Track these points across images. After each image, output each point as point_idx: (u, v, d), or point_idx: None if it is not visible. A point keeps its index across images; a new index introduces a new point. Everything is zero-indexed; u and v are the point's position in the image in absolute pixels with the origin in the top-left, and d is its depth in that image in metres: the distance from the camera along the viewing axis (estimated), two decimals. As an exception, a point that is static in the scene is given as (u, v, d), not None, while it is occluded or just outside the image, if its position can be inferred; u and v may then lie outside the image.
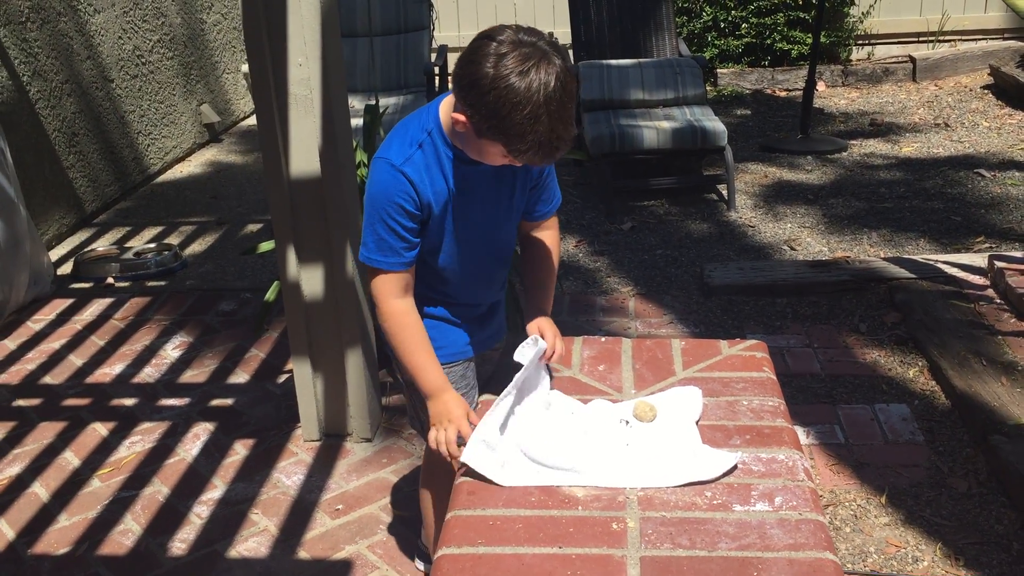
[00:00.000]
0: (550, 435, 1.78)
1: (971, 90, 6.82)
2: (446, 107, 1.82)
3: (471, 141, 1.76)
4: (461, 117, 1.71)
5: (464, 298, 2.03)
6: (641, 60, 5.51)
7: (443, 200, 1.86)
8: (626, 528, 1.58)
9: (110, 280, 4.42)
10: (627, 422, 1.83)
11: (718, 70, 7.30)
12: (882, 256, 4.24)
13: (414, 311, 1.91)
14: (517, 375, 1.84)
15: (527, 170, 1.94)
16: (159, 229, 5.07)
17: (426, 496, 2.29)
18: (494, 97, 1.62)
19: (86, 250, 4.73)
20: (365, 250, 1.87)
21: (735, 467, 1.71)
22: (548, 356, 1.96)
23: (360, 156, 3.40)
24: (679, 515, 1.60)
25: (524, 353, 1.89)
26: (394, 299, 1.89)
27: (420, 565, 2.47)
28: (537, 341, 1.92)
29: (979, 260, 3.96)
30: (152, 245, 4.70)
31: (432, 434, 1.86)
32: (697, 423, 1.85)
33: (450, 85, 1.81)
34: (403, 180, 1.81)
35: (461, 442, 1.83)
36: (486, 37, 1.67)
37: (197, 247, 4.82)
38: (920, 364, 3.34)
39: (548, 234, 2.09)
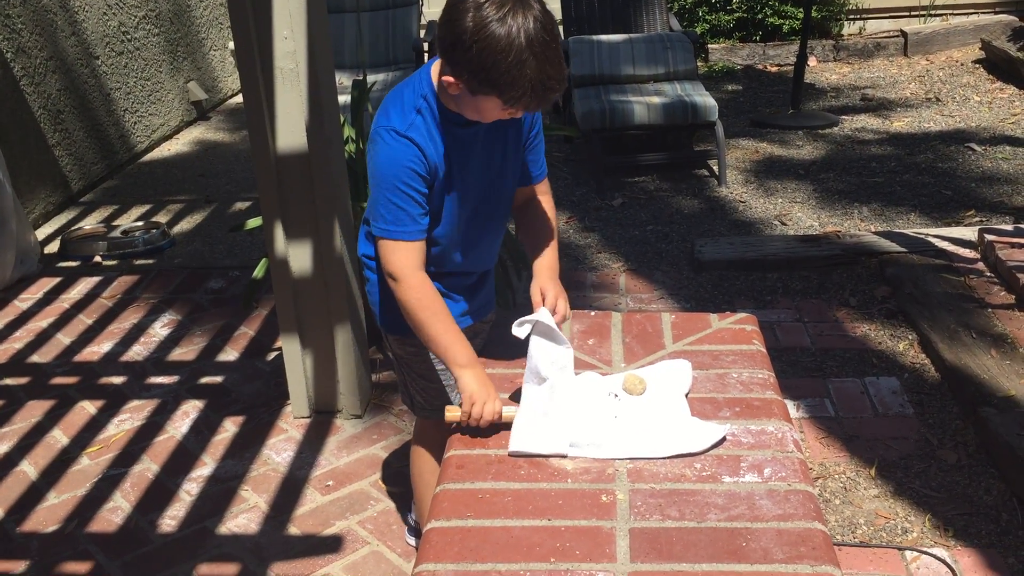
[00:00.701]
0: (549, 411, 1.77)
1: (962, 64, 6.80)
2: (437, 71, 1.81)
3: (467, 101, 1.74)
4: (451, 79, 1.70)
5: (458, 266, 2.01)
6: (631, 35, 5.47)
7: (444, 164, 1.84)
8: (615, 500, 1.57)
9: (97, 259, 4.39)
10: (616, 395, 1.82)
11: (709, 45, 7.26)
12: (873, 230, 4.24)
13: (432, 285, 1.87)
14: (529, 357, 1.81)
15: (517, 130, 1.92)
16: (146, 207, 5.04)
17: (416, 471, 2.29)
18: (477, 50, 1.61)
19: (73, 229, 4.70)
20: (382, 223, 1.83)
21: (724, 439, 1.70)
22: (558, 319, 1.92)
23: (348, 131, 3.38)
24: (668, 487, 1.60)
25: (522, 329, 1.85)
26: (417, 271, 1.84)
27: (411, 540, 2.47)
28: (541, 313, 1.88)
29: (969, 234, 3.96)
30: (140, 223, 4.67)
31: (469, 408, 1.78)
32: (687, 396, 1.85)
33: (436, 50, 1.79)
34: (411, 146, 1.78)
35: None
36: None
37: (185, 225, 4.79)
38: (910, 337, 3.34)
39: (543, 199, 2.08)
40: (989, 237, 3.74)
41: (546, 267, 2.01)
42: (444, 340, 1.84)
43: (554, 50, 1.64)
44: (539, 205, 2.07)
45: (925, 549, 2.36)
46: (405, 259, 1.84)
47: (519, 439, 1.71)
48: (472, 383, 1.80)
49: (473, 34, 1.60)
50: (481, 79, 1.64)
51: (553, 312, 1.91)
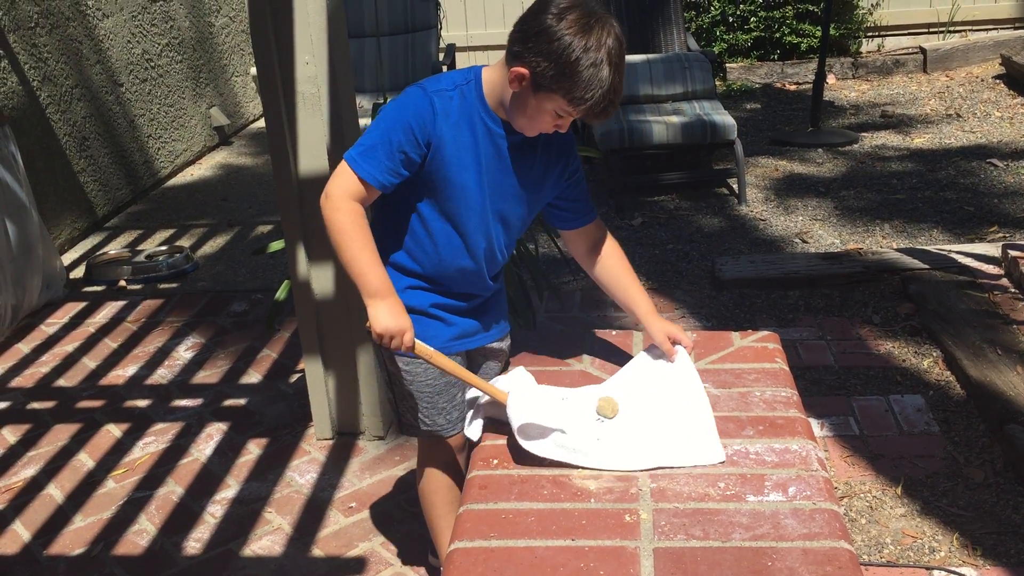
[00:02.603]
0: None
1: (982, 80, 6.77)
2: (491, 73, 1.84)
3: (524, 101, 1.76)
4: (523, 70, 1.72)
5: (455, 285, 1.98)
6: (649, 55, 5.49)
7: (460, 152, 1.83)
8: (639, 520, 1.57)
9: (122, 283, 4.43)
10: (600, 420, 1.83)
11: (727, 64, 7.27)
12: (895, 247, 4.22)
13: (361, 217, 1.84)
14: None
15: (557, 160, 1.94)
16: (170, 232, 5.09)
17: (425, 498, 2.22)
18: (562, 45, 1.68)
19: (98, 253, 4.75)
20: (353, 150, 1.84)
21: (722, 461, 1.70)
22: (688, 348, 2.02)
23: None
24: (692, 506, 1.60)
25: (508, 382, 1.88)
26: (351, 200, 1.83)
27: (434, 561, 2.46)
28: (520, 374, 1.91)
29: (993, 250, 3.94)
30: (163, 247, 4.72)
31: (378, 341, 1.84)
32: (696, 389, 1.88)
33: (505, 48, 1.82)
34: (427, 104, 1.80)
35: (413, 357, 1.90)
36: None
37: (208, 249, 4.84)
38: (934, 354, 3.32)
39: (608, 240, 2.09)
40: (1013, 253, 3.71)
41: (651, 311, 2.05)
42: (359, 265, 1.83)
43: (623, 71, 1.74)
44: (609, 248, 2.08)
45: (953, 569, 2.34)
46: (347, 186, 1.83)
47: (518, 412, 1.74)
48: (382, 315, 1.83)
49: (560, 29, 1.68)
50: (557, 71, 1.69)
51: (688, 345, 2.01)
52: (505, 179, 1.90)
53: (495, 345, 2.12)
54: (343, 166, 1.84)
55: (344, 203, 1.82)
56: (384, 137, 1.80)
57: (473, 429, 1.89)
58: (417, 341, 1.86)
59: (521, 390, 1.81)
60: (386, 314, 1.83)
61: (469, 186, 1.87)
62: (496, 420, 1.87)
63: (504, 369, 2.14)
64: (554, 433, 1.73)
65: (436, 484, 2.18)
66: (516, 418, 1.74)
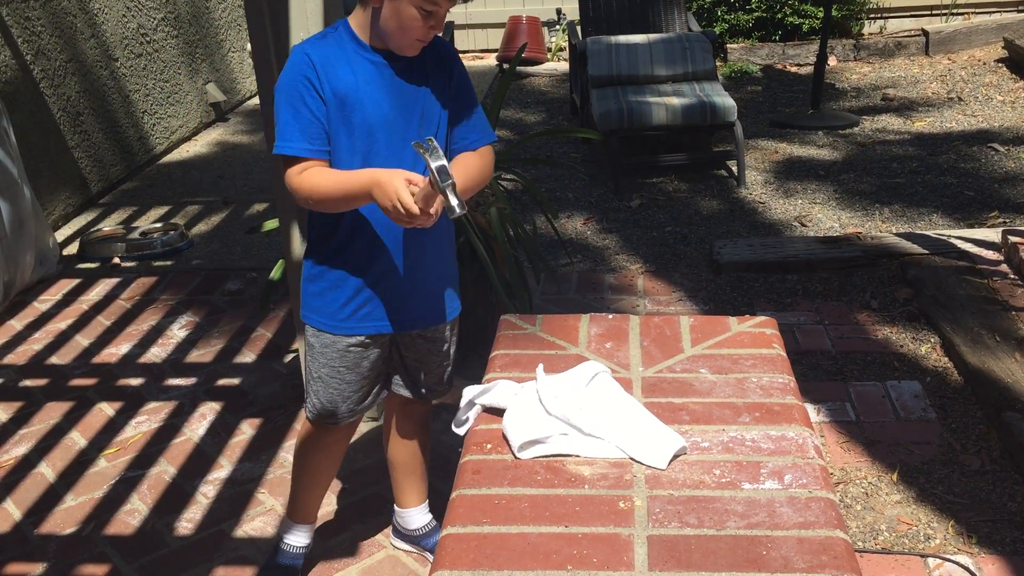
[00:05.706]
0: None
1: (985, 64, 6.73)
2: (355, 15, 1.86)
3: (388, 17, 1.78)
4: None
5: (372, 259, 1.95)
6: (650, 36, 5.44)
7: (346, 92, 1.83)
8: (633, 507, 1.55)
9: (116, 260, 4.41)
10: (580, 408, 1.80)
11: (728, 45, 7.22)
12: (894, 232, 4.19)
13: (319, 170, 1.85)
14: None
15: (442, 71, 1.92)
16: (165, 209, 5.05)
17: (300, 467, 2.27)
18: None
19: (92, 230, 4.72)
20: (277, 139, 1.85)
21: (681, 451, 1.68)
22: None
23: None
24: (687, 493, 1.58)
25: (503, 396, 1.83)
26: (301, 173, 1.85)
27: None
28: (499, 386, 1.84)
29: (993, 235, 3.91)
30: (158, 225, 4.69)
31: (396, 216, 1.74)
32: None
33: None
34: (305, 57, 1.82)
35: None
36: None
37: (203, 227, 4.80)
38: (932, 340, 3.30)
39: (477, 153, 1.97)
40: (1013, 239, 3.69)
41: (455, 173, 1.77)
42: (338, 190, 1.81)
43: None
44: (468, 155, 1.95)
45: (948, 556, 2.33)
46: (293, 173, 1.85)
47: (517, 433, 1.70)
48: (378, 195, 1.74)
49: None
50: None
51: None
52: (404, 104, 1.88)
53: (430, 333, 2.11)
54: (281, 164, 1.86)
55: (299, 181, 1.85)
56: (292, 110, 1.82)
57: (463, 427, 1.87)
58: (413, 188, 1.72)
59: (512, 412, 1.78)
60: (381, 188, 1.74)
61: (370, 119, 1.86)
62: (490, 408, 1.85)
63: (450, 351, 2.15)
64: (550, 438, 1.72)
65: (310, 447, 2.22)
66: (514, 440, 1.72)
